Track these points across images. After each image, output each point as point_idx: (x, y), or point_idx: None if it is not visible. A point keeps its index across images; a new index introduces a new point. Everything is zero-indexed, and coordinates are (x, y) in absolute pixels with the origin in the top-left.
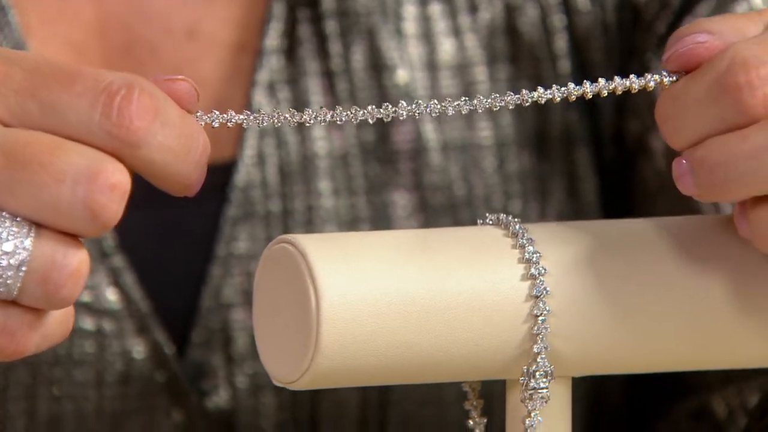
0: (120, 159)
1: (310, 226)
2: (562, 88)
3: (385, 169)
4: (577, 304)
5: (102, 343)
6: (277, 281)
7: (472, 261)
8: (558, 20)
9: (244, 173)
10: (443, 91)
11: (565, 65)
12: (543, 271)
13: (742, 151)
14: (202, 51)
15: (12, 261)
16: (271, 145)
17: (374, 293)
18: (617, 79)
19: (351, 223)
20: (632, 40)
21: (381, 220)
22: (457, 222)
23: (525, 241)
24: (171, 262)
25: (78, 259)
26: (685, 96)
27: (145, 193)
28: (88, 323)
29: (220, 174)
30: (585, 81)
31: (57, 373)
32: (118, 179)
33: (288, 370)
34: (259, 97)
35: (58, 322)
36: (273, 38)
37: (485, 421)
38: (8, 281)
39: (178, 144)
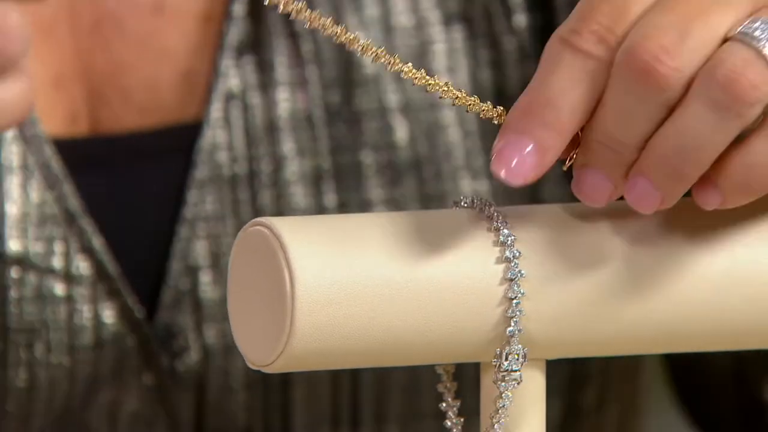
0: None
1: (276, 187)
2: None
3: (350, 130)
4: (551, 288)
5: (73, 309)
6: (251, 264)
7: (446, 244)
8: None
9: (210, 135)
10: (400, 51)
11: (520, 19)
12: (517, 254)
13: (682, 129)
14: (169, 23)
15: None
16: (237, 107)
17: (349, 276)
18: None
19: (316, 184)
20: None
21: (347, 180)
22: (422, 179)
23: (500, 224)
24: (137, 224)
25: (13, 21)
26: (611, 101)
27: (109, 154)
28: (58, 289)
29: (185, 135)
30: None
31: (29, 339)
32: None
33: (263, 352)
34: (227, 62)
35: (12, 96)
36: (240, 3)
37: (458, 403)
38: None
39: None
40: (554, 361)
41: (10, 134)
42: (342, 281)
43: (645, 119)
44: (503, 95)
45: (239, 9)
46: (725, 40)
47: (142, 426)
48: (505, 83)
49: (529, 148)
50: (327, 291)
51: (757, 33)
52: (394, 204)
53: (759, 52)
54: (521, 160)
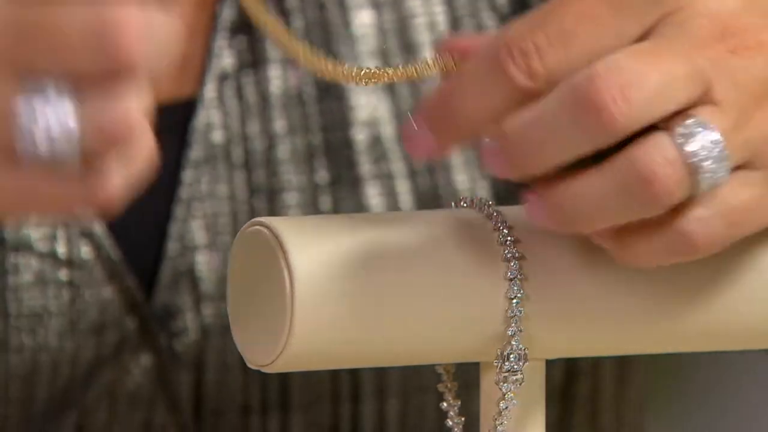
0: None
1: (270, 165)
2: None
3: (339, 106)
4: (551, 288)
5: (75, 294)
6: (251, 264)
7: (447, 244)
8: None
9: (204, 115)
10: (385, 26)
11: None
12: (517, 254)
13: (590, 190)
14: None
15: (60, 133)
16: (230, 87)
17: (349, 276)
18: None
19: (308, 161)
20: None
21: (338, 156)
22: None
23: (500, 224)
24: (135, 205)
25: (124, 107)
26: (546, 119)
27: None
28: (61, 274)
29: (180, 115)
30: None
31: (32, 325)
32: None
33: (262, 352)
34: (220, 42)
35: (136, 156)
36: None
37: (459, 403)
38: (66, 154)
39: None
40: None
41: None
42: (342, 281)
43: (571, 148)
44: None
45: None
46: (667, 118)
47: (141, 406)
48: None
49: (430, 136)
50: (327, 291)
51: (691, 136)
52: (384, 179)
53: (686, 159)
54: (423, 143)
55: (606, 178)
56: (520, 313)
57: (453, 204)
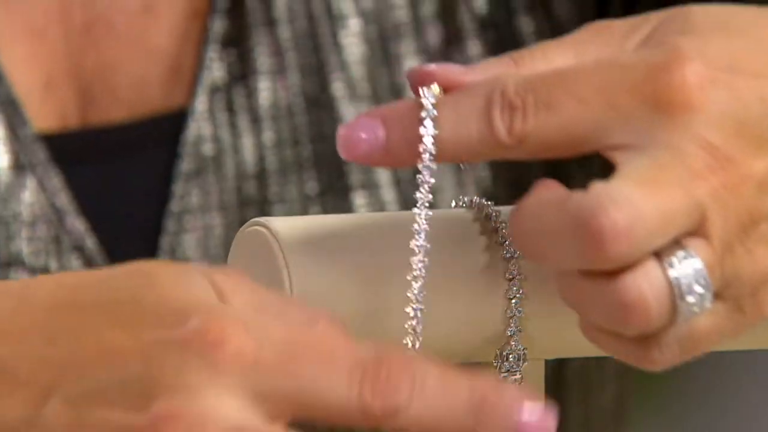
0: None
1: (261, 177)
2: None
3: (328, 117)
4: (550, 288)
5: None
6: (249, 265)
7: (446, 243)
8: None
9: (195, 128)
10: (372, 35)
11: (479, 4)
12: (517, 254)
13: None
14: (158, 21)
15: None
16: (221, 99)
17: (348, 277)
18: None
19: (298, 172)
20: None
21: (327, 167)
22: None
23: (499, 224)
24: (126, 218)
25: None
26: (536, 218)
27: (97, 147)
28: None
29: (169, 127)
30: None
31: None
32: None
33: None
34: (211, 54)
35: None
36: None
37: None
38: None
39: (439, 406)
40: None
41: (1, 134)
42: (341, 281)
43: (567, 263)
44: None
45: (223, 1)
46: (658, 253)
47: None
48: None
49: (378, 142)
50: (325, 291)
51: (680, 267)
52: (371, 188)
53: (671, 289)
54: (368, 147)
55: (593, 293)
56: (520, 313)
57: (452, 203)
